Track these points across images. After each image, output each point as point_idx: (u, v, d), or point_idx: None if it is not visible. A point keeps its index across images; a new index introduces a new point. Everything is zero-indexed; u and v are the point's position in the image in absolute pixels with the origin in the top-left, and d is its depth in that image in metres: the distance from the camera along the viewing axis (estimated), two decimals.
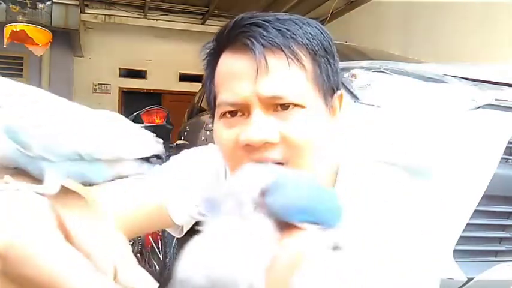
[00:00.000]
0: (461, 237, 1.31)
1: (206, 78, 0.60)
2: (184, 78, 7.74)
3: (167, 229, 0.72)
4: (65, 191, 0.32)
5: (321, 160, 0.57)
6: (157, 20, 6.53)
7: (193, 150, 0.74)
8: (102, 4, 6.31)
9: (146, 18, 6.46)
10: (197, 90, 4.77)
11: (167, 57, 7.43)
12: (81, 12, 6.08)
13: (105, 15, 6.31)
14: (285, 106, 0.53)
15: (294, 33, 0.53)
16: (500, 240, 1.43)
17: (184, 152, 0.74)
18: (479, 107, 1.38)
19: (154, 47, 7.27)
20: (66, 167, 0.30)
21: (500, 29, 3.46)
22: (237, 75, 0.53)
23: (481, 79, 1.50)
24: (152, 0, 6.10)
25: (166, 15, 6.53)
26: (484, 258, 1.39)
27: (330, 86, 0.57)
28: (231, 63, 0.55)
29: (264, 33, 0.52)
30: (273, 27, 0.53)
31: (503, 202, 1.39)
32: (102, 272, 0.31)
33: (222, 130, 0.56)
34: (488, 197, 1.31)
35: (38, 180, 0.30)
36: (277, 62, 0.52)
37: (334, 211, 0.35)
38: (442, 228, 1.30)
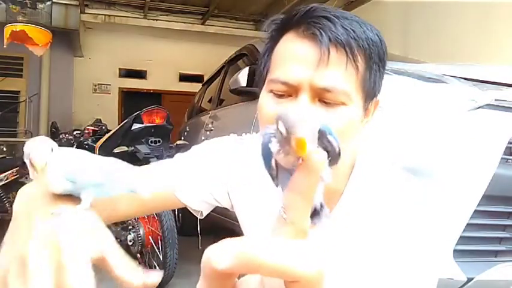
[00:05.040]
0: (461, 237, 1.31)
1: (265, 50, 0.63)
2: (184, 78, 7.75)
3: (190, 209, 0.75)
4: None
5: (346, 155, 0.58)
6: (157, 20, 6.53)
7: (214, 140, 0.77)
8: (102, 4, 6.32)
9: (146, 18, 6.47)
10: (197, 90, 4.77)
11: (167, 57, 7.44)
12: (81, 12, 6.08)
13: (105, 15, 6.32)
14: (330, 100, 0.55)
15: (357, 36, 0.56)
16: (500, 240, 1.43)
17: (206, 142, 0.77)
18: (479, 107, 1.38)
19: (154, 47, 7.27)
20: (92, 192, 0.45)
21: (500, 29, 3.47)
22: (299, 58, 0.56)
23: (481, 79, 1.50)
24: (152, 0, 6.10)
25: (166, 15, 6.53)
26: (484, 258, 1.39)
27: (374, 91, 0.60)
28: (296, 45, 0.57)
29: (333, 28, 0.55)
30: (341, 25, 0.56)
31: (503, 202, 1.39)
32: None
33: (269, 103, 0.59)
34: (488, 197, 1.31)
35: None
36: (337, 58, 0.55)
37: None
38: (442, 229, 1.30)
